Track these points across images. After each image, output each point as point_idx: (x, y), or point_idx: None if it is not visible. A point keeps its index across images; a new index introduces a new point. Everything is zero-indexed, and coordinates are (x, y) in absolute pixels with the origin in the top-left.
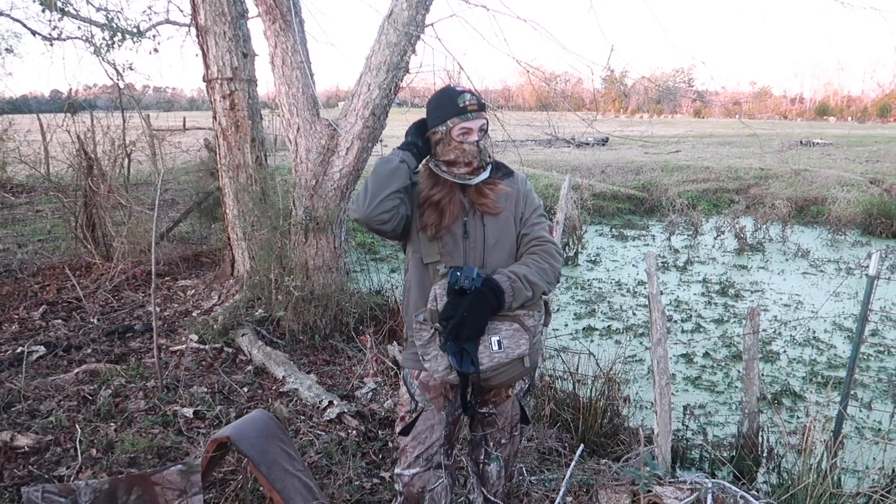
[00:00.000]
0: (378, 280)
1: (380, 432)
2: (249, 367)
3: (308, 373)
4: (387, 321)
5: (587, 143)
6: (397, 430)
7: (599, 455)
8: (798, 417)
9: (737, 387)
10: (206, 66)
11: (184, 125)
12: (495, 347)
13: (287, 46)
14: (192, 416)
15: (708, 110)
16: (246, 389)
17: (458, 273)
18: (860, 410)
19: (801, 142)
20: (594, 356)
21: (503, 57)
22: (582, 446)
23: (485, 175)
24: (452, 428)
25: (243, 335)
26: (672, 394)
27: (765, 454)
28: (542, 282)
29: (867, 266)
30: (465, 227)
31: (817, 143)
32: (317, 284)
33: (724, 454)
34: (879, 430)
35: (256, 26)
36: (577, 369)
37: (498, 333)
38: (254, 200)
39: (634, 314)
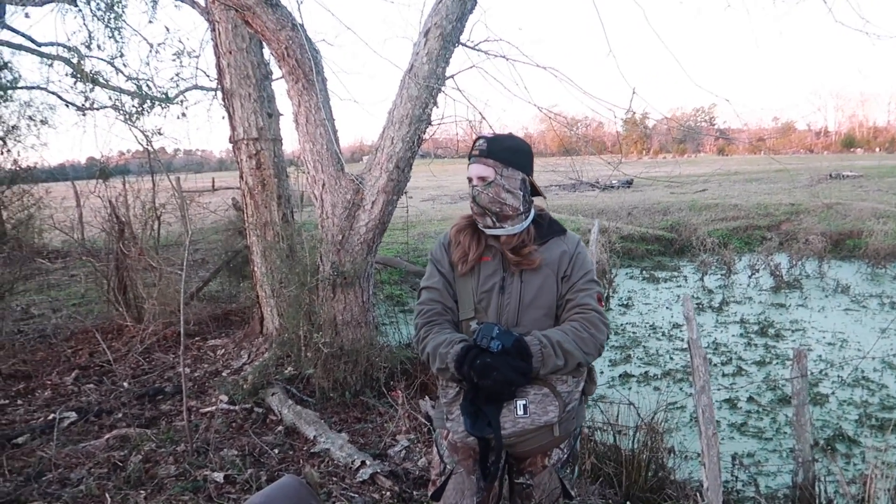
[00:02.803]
0: (407, 333)
1: (414, 493)
2: (280, 428)
3: (339, 431)
4: (418, 375)
5: (612, 186)
6: (429, 493)
7: None
8: (855, 464)
9: (786, 433)
10: (233, 128)
11: (213, 185)
12: (520, 412)
13: (310, 105)
14: (222, 481)
15: (732, 148)
16: (277, 451)
17: (477, 332)
18: None
19: (830, 175)
20: (634, 405)
21: (524, 104)
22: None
23: (508, 230)
24: (486, 495)
25: (273, 394)
26: (719, 443)
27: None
28: (579, 352)
29: None
30: (502, 282)
31: (847, 176)
32: (346, 340)
33: None
34: None
35: (280, 87)
36: (617, 419)
37: (525, 397)
38: (281, 258)
39: (672, 358)
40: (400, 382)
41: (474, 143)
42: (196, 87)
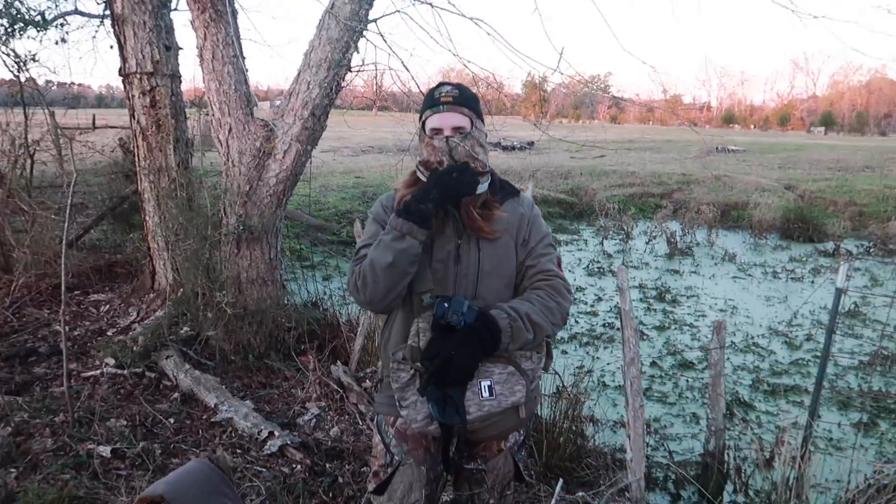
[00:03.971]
0: (315, 290)
1: (328, 465)
2: (175, 395)
3: (243, 398)
4: (327, 338)
5: (514, 147)
6: (370, 486)
7: (565, 481)
8: (752, 429)
9: (688, 397)
10: (124, 60)
11: (93, 123)
12: (486, 394)
13: (218, 39)
14: (109, 456)
15: (623, 116)
16: (172, 421)
17: (446, 305)
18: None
19: (717, 148)
20: (558, 374)
21: (452, 58)
22: (561, 481)
23: (480, 191)
24: (435, 486)
25: (167, 357)
26: (625, 407)
27: (732, 472)
28: (547, 323)
29: (786, 269)
30: (457, 250)
31: (732, 150)
32: (250, 299)
33: (690, 472)
34: (830, 439)
35: (181, 18)
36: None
37: (490, 377)
38: (179, 207)
39: (577, 322)
40: (310, 346)
41: (435, 89)
42: (76, 11)
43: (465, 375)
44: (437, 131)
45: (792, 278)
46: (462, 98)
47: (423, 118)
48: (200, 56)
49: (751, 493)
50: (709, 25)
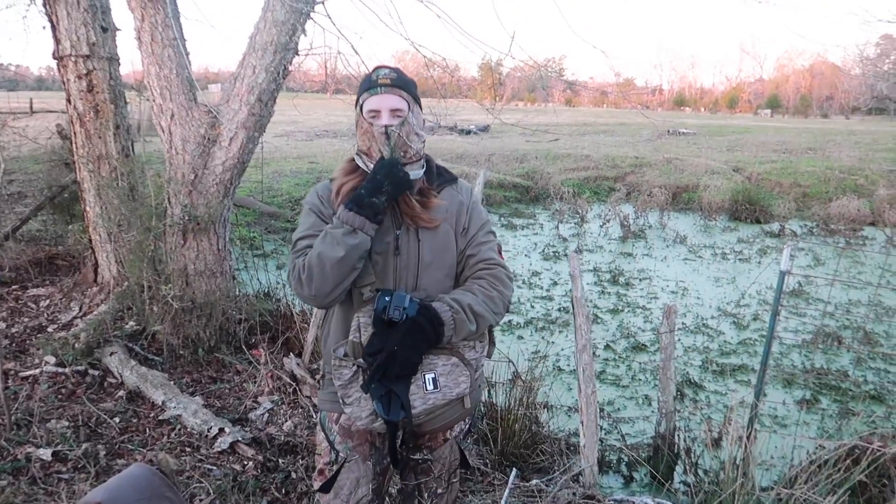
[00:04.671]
0: (267, 280)
1: (280, 461)
2: (121, 393)
3: (192, 394)
4: (280, 329)
5: (470, 131)
6: (315, 485)
7: (519, 468)
8: (701, 409)
9: (640, 380)
10: (57, 41)
11: (31, 108)
12: (430, 387)
13: (157, 20)
14: (50, 459)
15: (577, 100)
16: (118, 420)
17: (388, 299)
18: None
19: (668, 131)
20: (512, 362)
21: (405, 43)
22: (515, 470)
23: (413, 174)
24: (382, 479)
25: (112, 354)
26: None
27: (682, 452)
28: (490, 313)
29: (734, 250)
30: (396, 241)
31: (683, 133)
32: (198, 292)
33: (642, 454)
34: (776, 416)
35: None
36: (493, 374)
37: (433, 370)
38: (120, 197)
39: (533, 307)
40: (262, 338)
41: (373, 72)
42: None
43: (409, 370)
44: (375, 113)
45: (740, 259)
46: (400, 81)
47: (361, 101)
48: (139, 38)
49: (700, 472)
50: (660, 9)
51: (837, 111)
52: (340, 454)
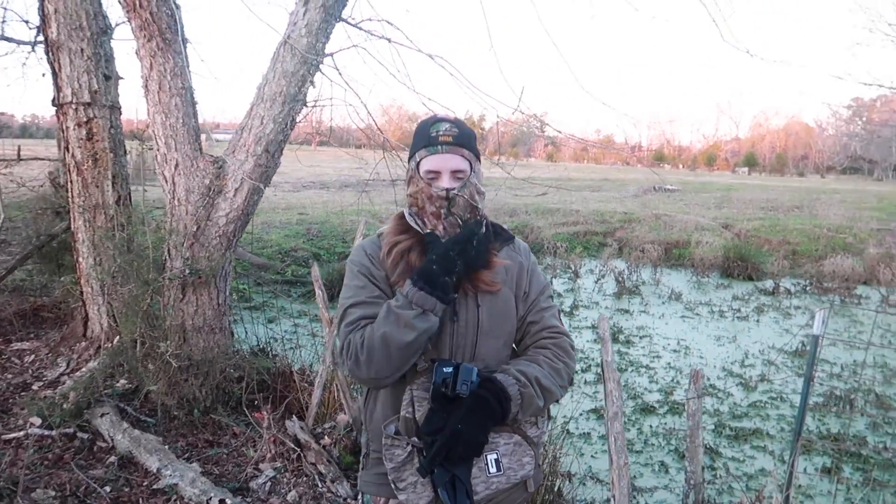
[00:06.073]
0: (265, 335)
1: None
2: (112, 458)
3: (188, 459)
4: (279, 389)
5: None
6: None
7: None
8: (720, 477)
9: (654, 444)
10: (58, 89)
11: (18, 154)
12: (493, 469)
13: (165, 69)
14: None
15: (559, 155)
16: (108, 489)
17: (448, 370)
18: (774, 464)
19: (654, 187)
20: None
21: (411, 95)
22: None
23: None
24: None
25: (103, 415)
26: (592, 456)
27: None
28: (556, 386)
29: (731, 308)
30: (454, 307)
31: (668, 189)
32: (195, 349)
33: None
34: (799, 486)
35: (121, 47)
36: None
37: (495, 450)
38: (117, 248)
39: None
40: (264, 400)
41: (432, 125)
42: (3, 38)
43: (475, 451)
44: (435, 174)
45: (737, 317)
46: (462, 137)
47: (418, 157)
48: (146, 87)
49: None
50: (639, 70)
51: (812, 170)
52: None
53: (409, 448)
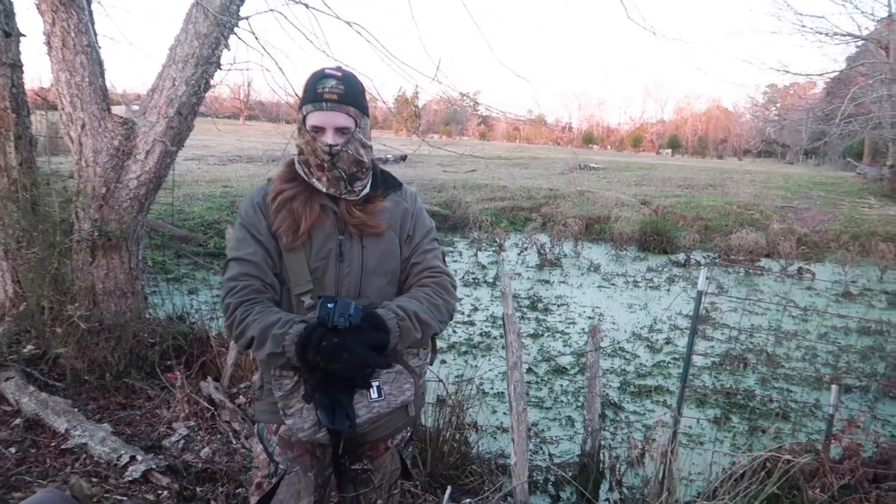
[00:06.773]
0: (182, 304)
1: (198, 489)
2: (17, 421)
3: (99, 421)
4: (195, 353)
5: (387, 160)
6: (253, 500)
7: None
8: (622, 428)
9: (563, 401)
10: None
11: None
12: (374, 395)
13: (69, 25)
14: None
15: (492, 134)
16: (14, 450)
17: (331, 306)
18: (670, 417)
19: (580, 166)
20: (443, 381)
21: (328, 61)
22: (450, 489)
23: (363, 192)
24: (323, 491)
25: (7, 379)
26: (504, 413)
27: (607, 470)
28: (435, 321)
29: (645, 278)
30: (339, 247)
31: (593, 168)
32: (107, 312)
33: (569, 473)
34: (691, 434)
35: (22, 2)
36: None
37: (377, 377)
38: (21, 211)
39: (455, 332)
40: (178, 362)
41: (316, 81)
42: None
43: (358, 379)
44: (320, 130)
45: (650, 287)
46: (348, 95)
47: (304, 112)
48: (48, 44)
49: (625, 489)
50: (570, 52)
51: (731, 153)
52: (280, 466)
53: (296, 378)
